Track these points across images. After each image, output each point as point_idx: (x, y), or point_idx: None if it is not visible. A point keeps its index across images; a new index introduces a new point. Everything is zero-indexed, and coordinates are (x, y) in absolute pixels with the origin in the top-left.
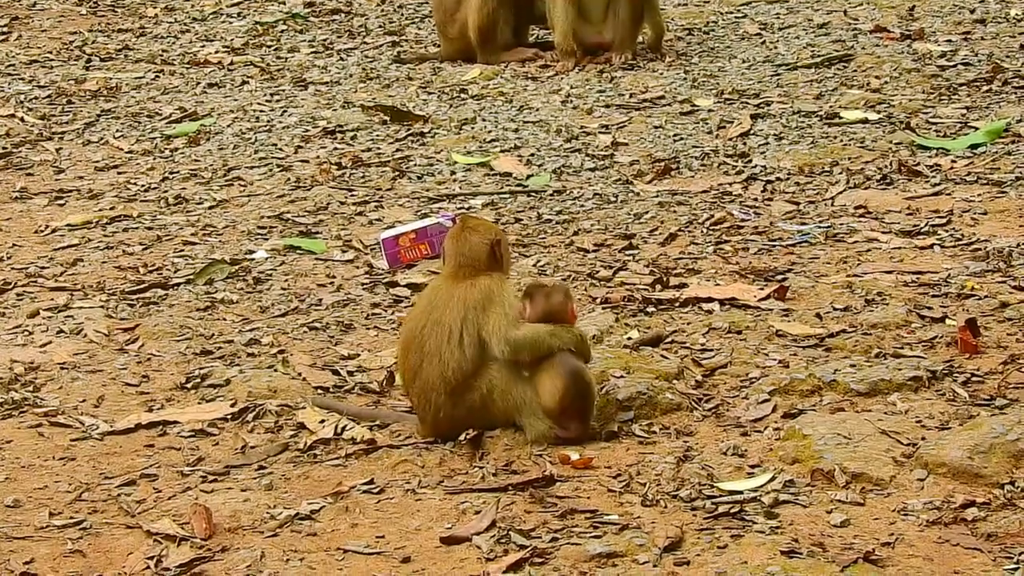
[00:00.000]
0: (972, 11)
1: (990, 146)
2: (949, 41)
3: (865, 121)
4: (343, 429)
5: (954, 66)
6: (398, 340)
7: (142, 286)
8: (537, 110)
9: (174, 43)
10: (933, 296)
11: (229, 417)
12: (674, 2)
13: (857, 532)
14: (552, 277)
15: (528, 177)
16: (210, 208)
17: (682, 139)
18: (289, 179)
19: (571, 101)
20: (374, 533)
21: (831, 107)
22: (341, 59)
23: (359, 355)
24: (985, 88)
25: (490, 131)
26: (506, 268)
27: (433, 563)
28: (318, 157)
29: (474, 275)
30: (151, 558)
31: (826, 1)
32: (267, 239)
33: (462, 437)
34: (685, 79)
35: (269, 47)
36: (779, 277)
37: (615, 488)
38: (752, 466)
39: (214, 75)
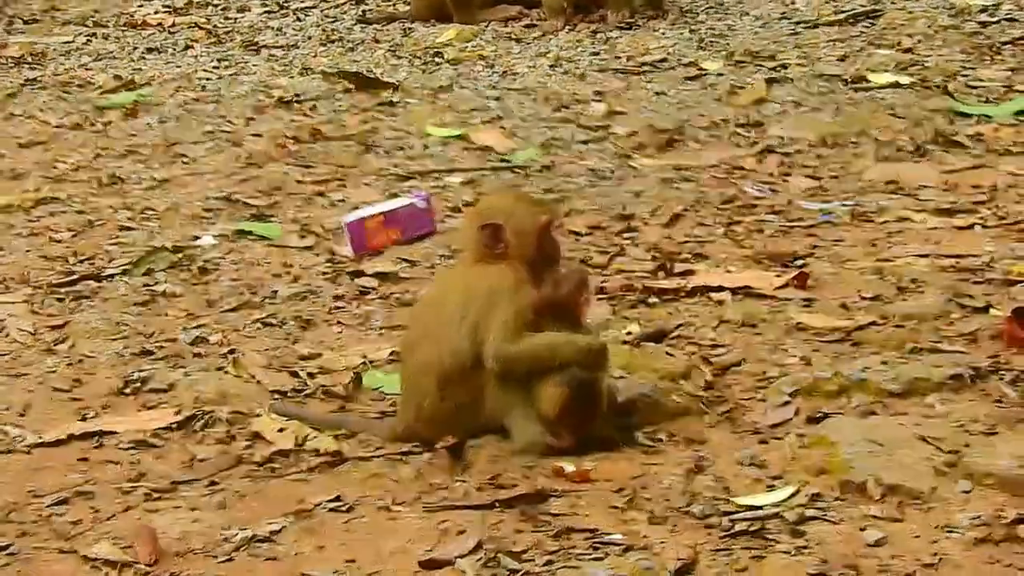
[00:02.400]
0: None
1: None
2: None
3: (896, 85)
4: (305, 439)
5: (996, 22)
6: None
7: (72, 278)
8: (522, 76)
9: (107, 2)
10: (975, 283)
11: (174, 426)
12: None
13: (895, 552)
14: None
15: (512, 151)
16: (149, 189)
17: (688, 107)
18: (240, 155)
19: (561, 65)
20: (343, 556)
21: (857, 70)
22: (298, 19)
23: (321, 355)
24: None
25: (468, 100)
26: (524, 256)
27: None
28: (273, 131)
29: (485, 260)
30: None
31: None
32: (215, 223)
33: (439, 445)
34: (690, 39)
35: (216, 6)
36: (799, 262)
37: (617, 504)
38: (773, 478)
39: (154, 39)
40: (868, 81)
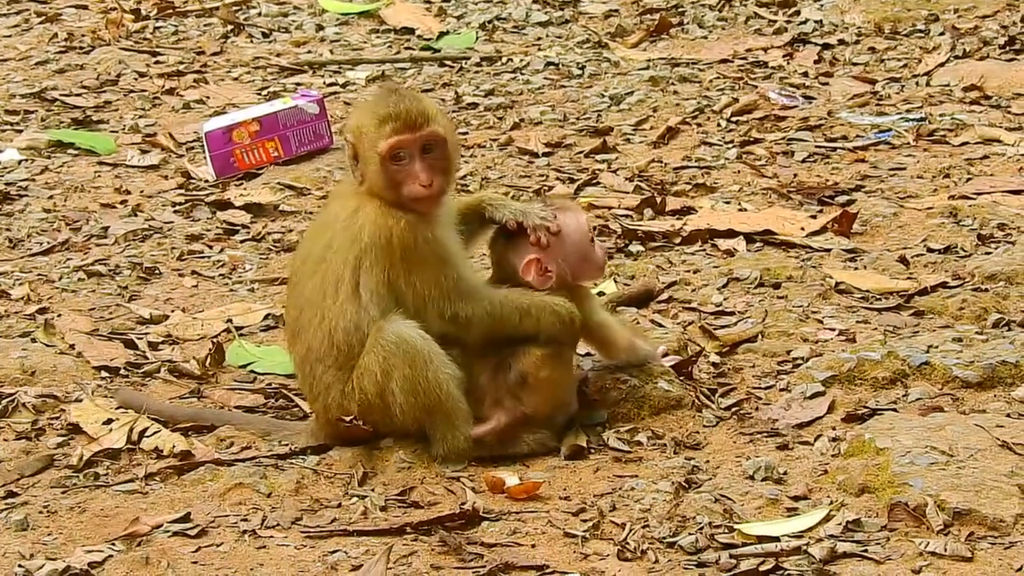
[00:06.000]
0: None
1: None
2: None
3: None
4: (142, 435)
5: None
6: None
7: None
8: None
9: None
10: None
11: None
12: None
13: None
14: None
15: (441, 35)
16: None
17: None
18: (56, 35)
19: None
20: None
21: None
22: None
23: (167, 317)
24: None
25: None
26: (380, 194)
27: None
28: (103, 0)
29: (362, 193)
30: None
31: None
32: (20, 131)
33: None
34: None
35: None
36: (842, 199)
37: (575, 531)
38: (795, 498)
39: None
40: None
